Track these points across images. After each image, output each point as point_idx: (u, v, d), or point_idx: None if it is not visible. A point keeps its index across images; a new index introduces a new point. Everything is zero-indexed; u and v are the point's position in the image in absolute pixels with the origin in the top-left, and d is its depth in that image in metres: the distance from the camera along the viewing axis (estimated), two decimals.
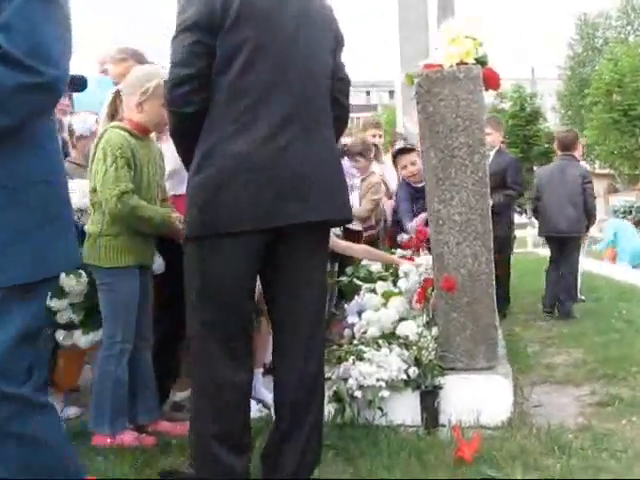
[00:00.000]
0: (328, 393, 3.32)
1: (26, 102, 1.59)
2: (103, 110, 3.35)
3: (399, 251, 4.58)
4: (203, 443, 2.36)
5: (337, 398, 3.30)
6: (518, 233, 14.21)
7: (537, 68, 40.13)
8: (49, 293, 1.87)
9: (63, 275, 3.15)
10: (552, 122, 27.70)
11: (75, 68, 2.35)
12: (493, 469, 2.72)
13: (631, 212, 22.45)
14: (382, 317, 3.69)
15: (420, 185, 4.77)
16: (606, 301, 6.93)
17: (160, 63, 3.59)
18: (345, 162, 4.76)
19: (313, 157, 2.36)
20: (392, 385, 3.28)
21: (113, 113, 3.29)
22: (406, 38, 9.12)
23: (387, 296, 3.88)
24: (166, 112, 2.55)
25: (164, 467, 2.81)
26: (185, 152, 2.44)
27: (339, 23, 2.56)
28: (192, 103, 2.31)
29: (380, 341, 3.50)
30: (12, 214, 1.66)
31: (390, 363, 3.31)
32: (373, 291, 4.04)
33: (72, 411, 3.68)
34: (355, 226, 4.75)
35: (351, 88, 2.67)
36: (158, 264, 3.42)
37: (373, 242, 5.20)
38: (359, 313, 3.92)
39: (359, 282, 4.23)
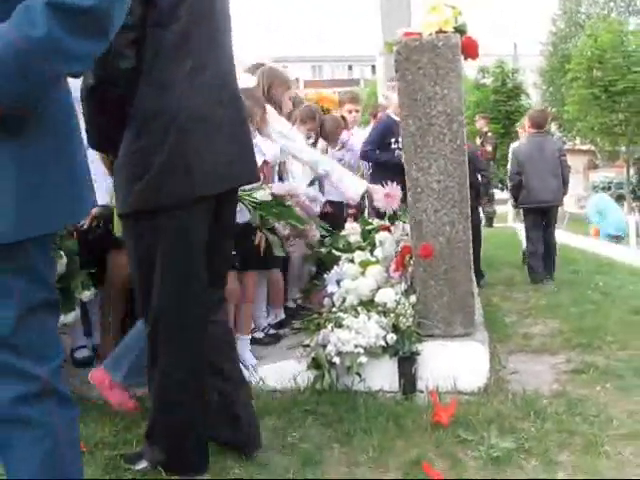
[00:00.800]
0: (307, 360, 3.37)
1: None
2: None
3: (376, 221, 4.58)
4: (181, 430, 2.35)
5: (316, 364, 3.33)
6: (499, 209, 14.37)
7: (520, 44, 40.09)
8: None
9: None
10: (534, 99, 27.70)
11: None
12: (469, 432, 2.77)
13: (610, 188, 22.72)
14: (360, 285, 3.71)
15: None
16: (583, 274, 6.99)
17: None
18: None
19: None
20: (370, 351, 3.31)
21: None
22: (387, 13, 9.13)
23: (364, 265, 3.90)
24: None
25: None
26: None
27: None
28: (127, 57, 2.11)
29: (359, 308, 3.52)
30: None
31: (368, 330, 3.33)
32: (352, 261, 4.06)
33: None
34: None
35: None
36: None
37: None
38: (338, 282, 3.94)
39: (338, 252, 4.24)
